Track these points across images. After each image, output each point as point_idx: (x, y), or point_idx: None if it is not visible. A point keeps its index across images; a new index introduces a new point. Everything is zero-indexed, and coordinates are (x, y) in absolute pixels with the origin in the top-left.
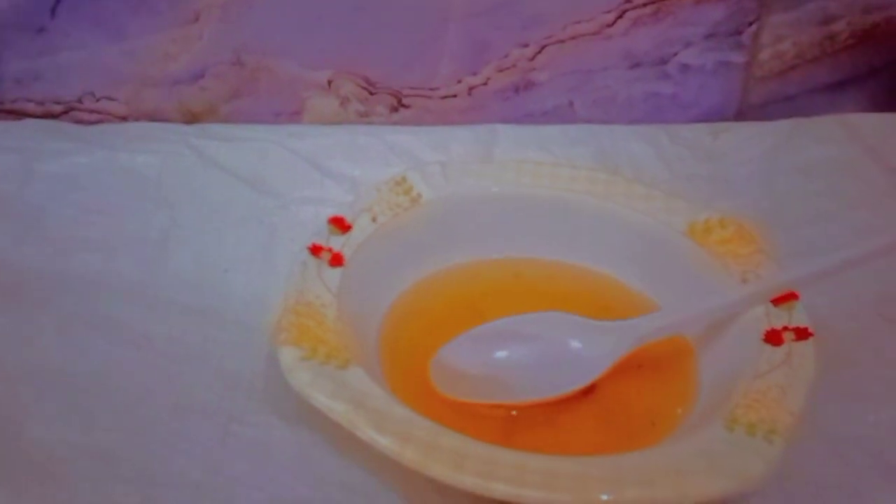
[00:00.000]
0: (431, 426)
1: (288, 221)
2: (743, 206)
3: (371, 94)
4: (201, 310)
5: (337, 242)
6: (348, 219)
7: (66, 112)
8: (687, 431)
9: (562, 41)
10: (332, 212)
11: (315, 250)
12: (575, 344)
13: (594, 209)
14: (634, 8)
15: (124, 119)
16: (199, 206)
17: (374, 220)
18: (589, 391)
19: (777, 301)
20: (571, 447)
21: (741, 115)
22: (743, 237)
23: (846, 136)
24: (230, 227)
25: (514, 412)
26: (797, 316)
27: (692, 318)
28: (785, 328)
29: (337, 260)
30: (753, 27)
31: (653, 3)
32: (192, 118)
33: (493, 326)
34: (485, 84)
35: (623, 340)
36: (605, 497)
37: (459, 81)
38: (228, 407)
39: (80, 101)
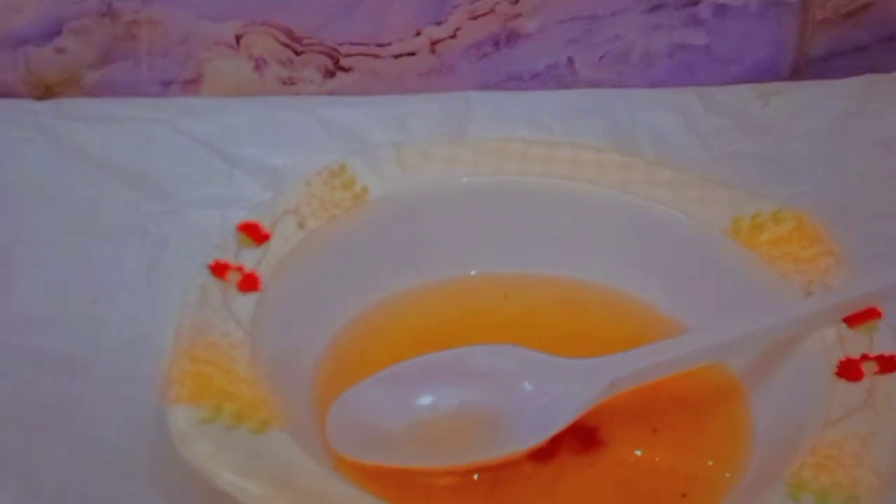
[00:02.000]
0: None
1: (182, 232)
2: (803, 193)
3: (296, 53)
4: (60, 358)
5: (250, 258)
6: (265, 225)
7: None
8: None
9: None
10: (243, 216)
11: (218, 270)
12: (527, 387)
13: (605, 204)
14: None
15: None
16: (56, 214)
17: (301, 225)
18: (591, 450)
19: (853, 321)
20: None
21: (798, 72)
22: (804, 235)
23: None
24: (100, 242)
25: (475, 476)
26: (880, 340)
27: (713, 348)
28: (864, 357)
29: (249, 283)
30: None
31: None
32: (45, 92)
33: (417, 363)
34: (453, 37)
35: (590, 386)
36: None
37: (418, 34)
38: (97, 493)
39: None
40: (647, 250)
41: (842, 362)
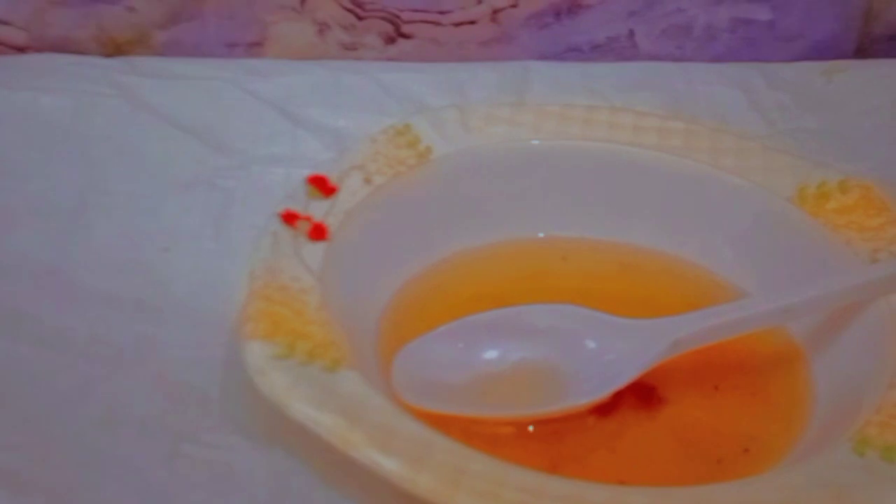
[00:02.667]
0: (454, 447)
1: (248, 186)
2: (866, 170)
3: (359, 18)
4: (133, 301)
5: (318, 209)
6: (333, 178)
7: None
8: (798, 459)
9: None
10: (306, 173)
11: (289, 218)
12: (590, 344)
13: (668, 169)
14: None
15: (23, 50)
16: (129, 165)
17: (367, 180)
18: (652, 406)
19: None
20: (639, 480)
21: (862, 50)
22: (871, 204)
23: None
24: (171, 193)
25: (530, 427)
26: None
27: (776, 312)
28: None
29: (319, 232)
30: None
31: None
32: (114, 50)
33: (480, 319)
34: (514, 6)
35: (652, 345)
36: None
37: (479, 2)
38: (175, 423)
39: None
40: (709, 217)
41: None
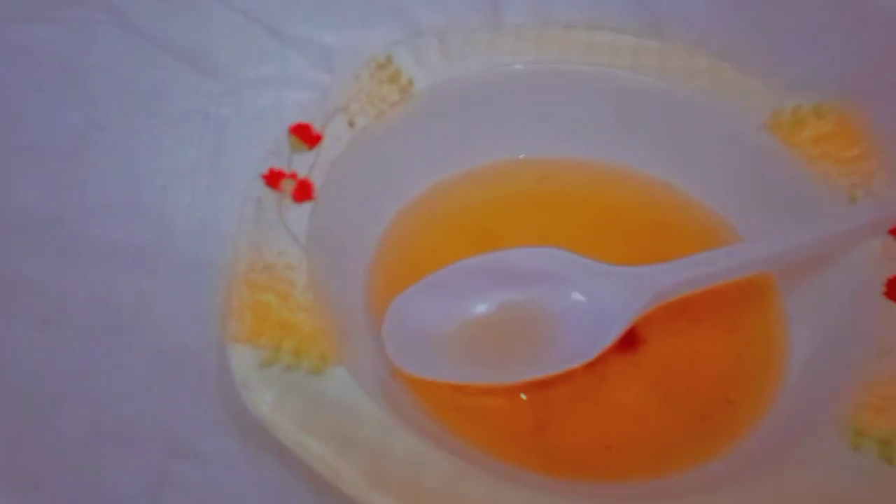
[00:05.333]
0: (447, 468)
1: (242, 113)
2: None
3: None
4: (133, 250)
5: (302, 163)
6: (316, 125)
7: None
8: (785, 420)
9: None
10: (298, 96)
11: (273, 179)
12: (576, 296)
13: (643, 91)
14: None
15: None
16: (124, 97)
17: (351, 123)
18: (632, 348)
19: None
20: (626, 437)
21: None
22: (846, 132)
23: None
24: (166, 126)
25: (523, 396)
26: None
27: (759, 260)
28: None
29: (304, 191)
30: None
31: None
32: None
33: (466, 266)
34: None
35: (636, 296)
36: None
37: None
38: (168, 426)
39: None
40: (683, 140)
41: (890, 280)
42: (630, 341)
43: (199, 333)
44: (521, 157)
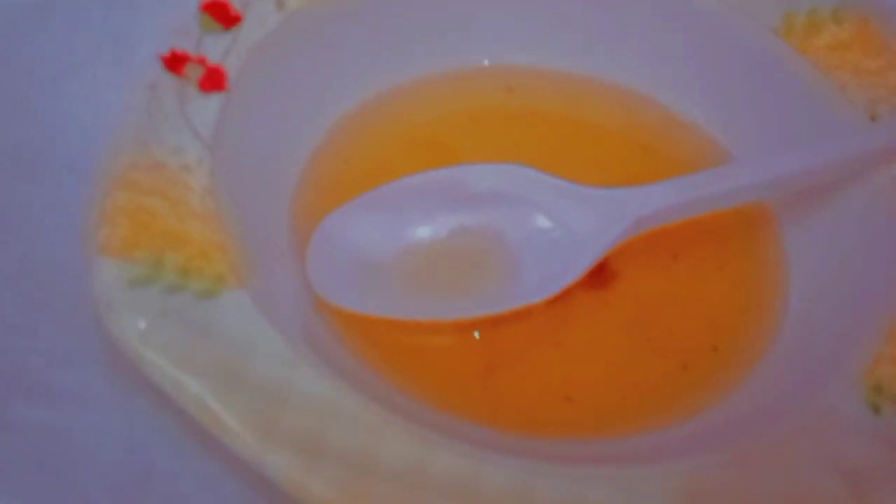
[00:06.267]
0: (369, 417)
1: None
2: None
3: None
4: (13, 148)
5: (215, 47)
6: (236, 4)
7: None
8: (781, 374)
9: None
10: None
11: (174, 63)
12: (541, 220)
13: None
14: None
15: None
16: None
17: (281, 4)
18: (603, 284)
19: None
20: (591, 387)
21: None
22: (868, 41)
23: None
24: (59, 5)
25: (476, 334)
26: None
27: (757, 186)
28: None
29: (213, 80)
30: None
31: None
32: None
33: (410, 183)
34: None
35: (612, 223)
36: None
37: None
38: (14, 357)
39: None
40: (676, 48)
41: None
42: (601, 276)
43: (70, 247)
44: (486, 63)
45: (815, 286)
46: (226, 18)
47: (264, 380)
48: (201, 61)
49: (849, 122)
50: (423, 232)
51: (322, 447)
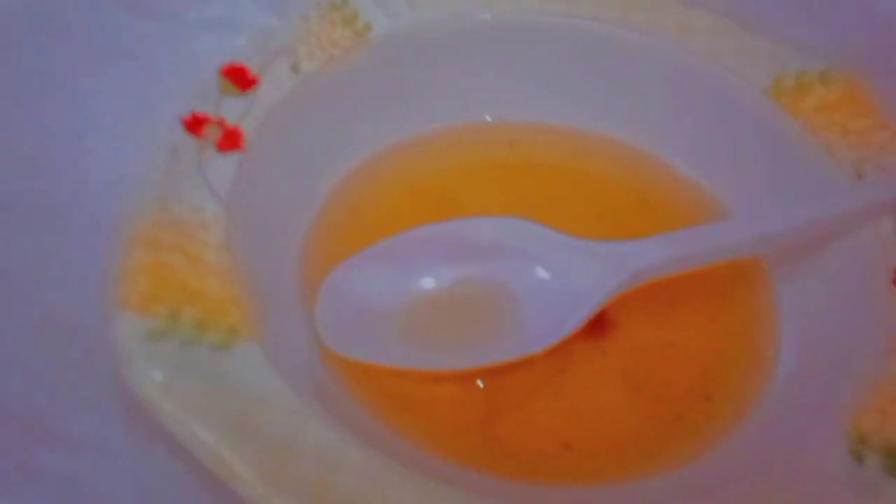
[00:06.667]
0: (374, 465)
1: (177, 57)
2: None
3: None
4: (39, 204)
5: (233, 109)
6: (253, 68)
7: None
8: (771, 424)
9: None
10: (242, 42)
11: (194, 125)
12: (541, 273)
13: (630, 49)
14: None
15: None
16: (35, 29)
17: (295, 68)
18: (601, 333)
19: None
20: (589, 435)
21: None
22: (855, 102)
23: None
24: (86, 66)
25: (479, 383)
26: None
27: (751, 241)
28: None
29: (231, 141)
30: None
31: None
32: None
33: (414, 236)
34: None
35: (611, 275)
36: None
37: None
38: (37, 407)
39: None
40: (673, 107)
41: None
42: (599, 325)
43: (93, 300)
44: (489, 119)
45: (806, 337)
46: (243, 81)
47: (274, 430)
48: (220, 123)
49: (836, 181)
50: (428, 283)
51: (329, 495)
